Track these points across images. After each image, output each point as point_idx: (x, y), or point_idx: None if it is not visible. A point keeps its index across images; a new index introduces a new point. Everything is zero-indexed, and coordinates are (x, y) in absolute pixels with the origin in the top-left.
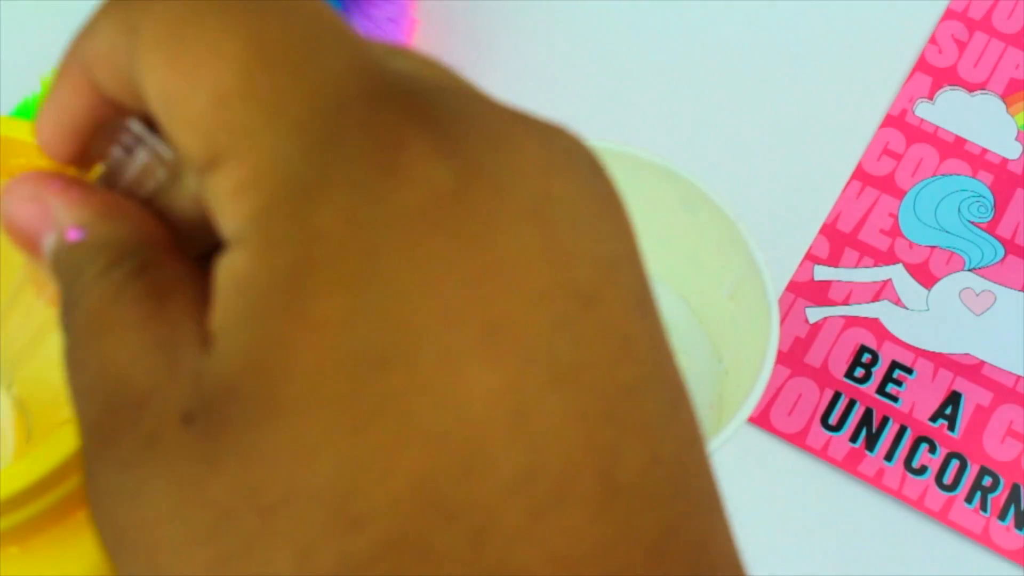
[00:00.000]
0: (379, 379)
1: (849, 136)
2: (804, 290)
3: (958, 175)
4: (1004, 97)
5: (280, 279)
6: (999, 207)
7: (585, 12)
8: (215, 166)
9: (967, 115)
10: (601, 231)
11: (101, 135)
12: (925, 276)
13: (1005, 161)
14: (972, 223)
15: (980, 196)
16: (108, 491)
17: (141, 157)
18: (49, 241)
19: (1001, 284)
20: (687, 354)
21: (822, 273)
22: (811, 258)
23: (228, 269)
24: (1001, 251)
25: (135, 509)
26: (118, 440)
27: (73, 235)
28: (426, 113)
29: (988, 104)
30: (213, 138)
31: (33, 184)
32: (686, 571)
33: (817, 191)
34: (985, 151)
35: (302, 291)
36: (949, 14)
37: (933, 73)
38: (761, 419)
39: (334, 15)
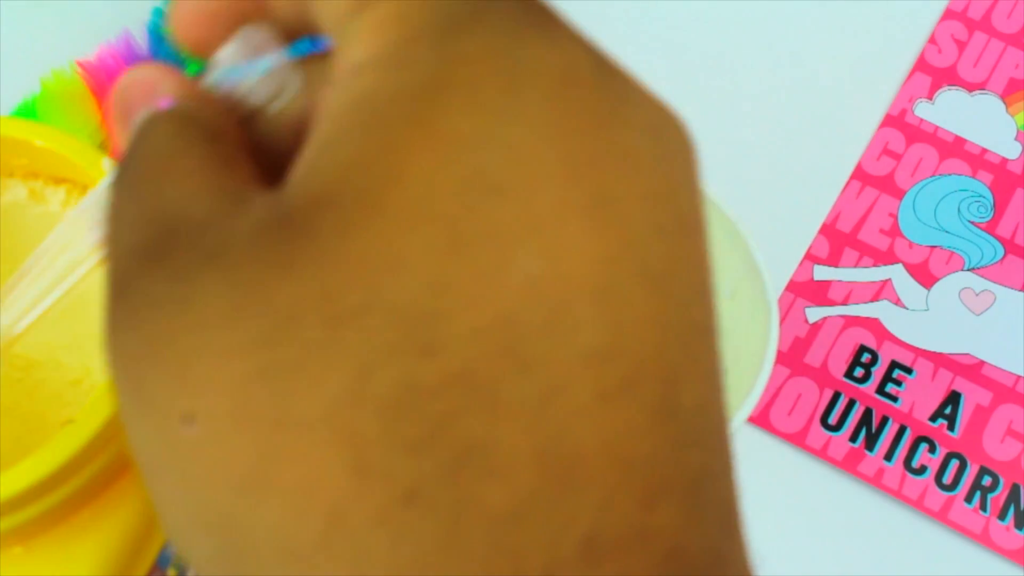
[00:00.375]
0: (490, 207)
1: (849, 136)
2: (804, 290)
3: (958, 175)
4: (1004, 97)
5: (409, 91)
6: (999, 207)
7: (584, 12)
8: (359, 12)
9: (967, 115)
10: (696, 185)
11: (227, 34)
12: (925, 276)
13: (1005, 161)
14: (972, 223)
15: (980, 196)
16: (148, 302)
17: (256, 68)
18: (142, 112)
19: (1001, 284)
20: None
21: (822, 273)
22: (811, 258)
23: (341, 93)
24: (1001, 251)
25: (178, 315)
26: (172, 254)
27: (164, 102)
28: None
29: (988, 104)
30: None
31: (154, 68)
32: (715, 526)
33: (817, 191)
34: (985, 151)
35: (433, 104)
36: (948, 14)
37: (933, 73)
38: (761, 419)
39: None
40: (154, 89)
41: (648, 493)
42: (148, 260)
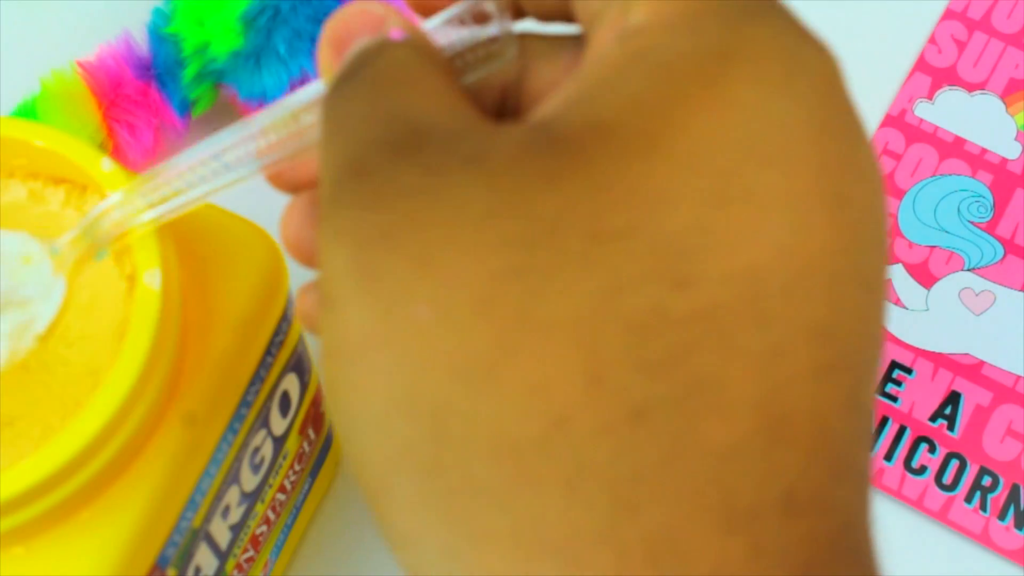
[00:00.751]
0: (757, 173)
1: None
2: None
3: (957, 175)
4: (1004, 97)
5: (700, 54)
6: (999, 207)
7: None
8: None
9: (967, 115)
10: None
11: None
12: (924, 276)
13: (1005, 161)
14: (972, 223)
15: (980, 196)
16: (395, 190)
17: (484, 31)
18: (362, 40)
19: (1001, 284)
20: None
21: None
22: None
23: (619, 45)
24: (1001, 251)
25: (428, 208)
26: (425, 151)
27: (395, 33)
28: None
29: (988, 104)
30: None
31: (380, 3)
32: (871, 514)
33: None
34: (985, 151)
35: (723, 70)
36: (948, 14)
37: (932, 73)
38: None
39: None
40: (382, 21)
41: (838, 469)
42: (396, 152)
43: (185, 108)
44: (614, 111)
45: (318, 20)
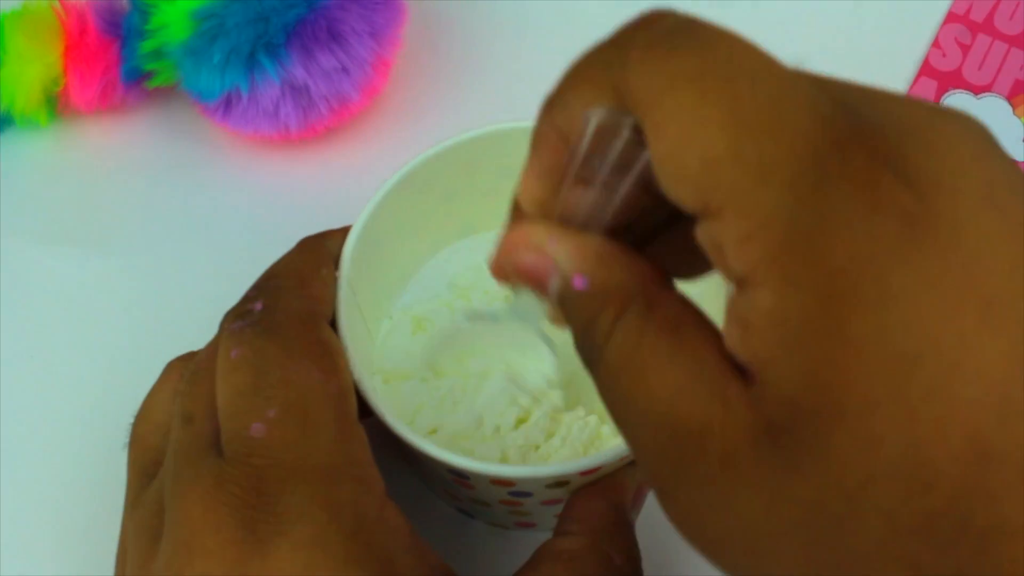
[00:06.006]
0: (917, 372)
1: None
2: None
3: None
4: (1010, 98)
5: (813, 313)
6: None
7: (593, 12)
8: (710, 216)
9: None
10: None
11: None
12: None
13: None
14: None
15: None
16: (692, 507)
17: (616, 142)
18: (554, 284)
19: None
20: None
21: None
22: None
23: (750, 305)
24: None
25: (725, 517)
26: (691, 463)
27: (579, 284)
28: (881, 146)
29: (994, 106)
30: (707, 194)
31: (534, 236)
32: None
33: None
34: None
35: (837, 320)
36: (951, 17)
37: (938, 77)
38: None
39: (786, 70)
40: (553, 262)
41: None
42: (673, 466)
43: (134, 76)
44: (791, 392)
45: (259, 41)
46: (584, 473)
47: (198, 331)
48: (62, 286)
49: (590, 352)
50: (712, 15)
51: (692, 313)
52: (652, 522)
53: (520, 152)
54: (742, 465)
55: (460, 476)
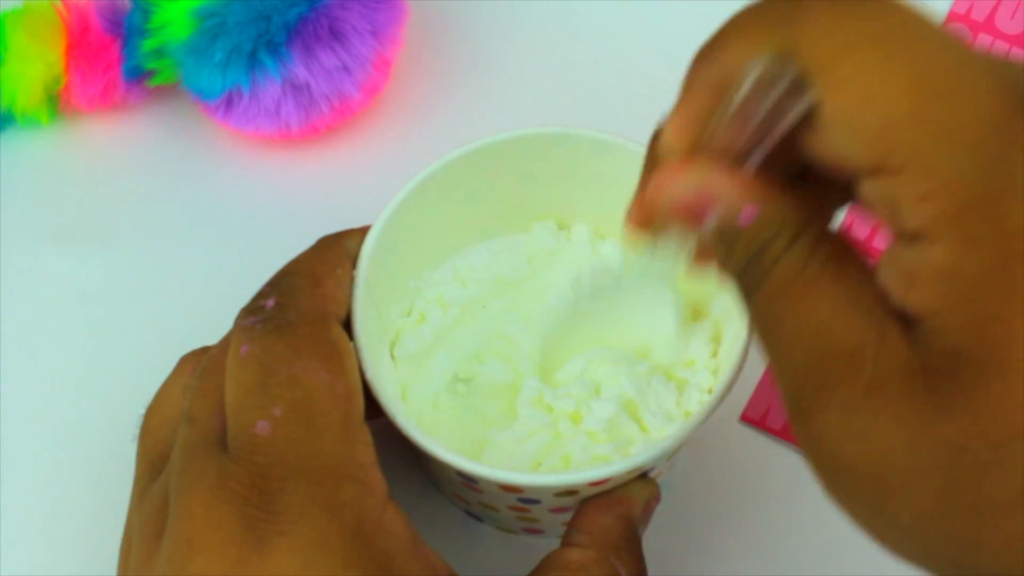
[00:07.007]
0: None
1: None
2: None
3: None
4: None
5: (988, 271)
6: None
7: (588, 12)
8: (886, 173)
9: None
10: None
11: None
12: None
13: None
14: None
15: None
16: (829, 432)
17: (774, 90)
18: (714, 218)
19: None
20: (684, 348)
21: None
22: None
23: (921, 259)
24: None
25: (862, 446)
26: (835, 388)
27: (749, 214)
28: None
29: None
30: (885, 152)
31: (695, 171)
32: None
33: None
34: None
35: (1012, 280)
36: (952, 17)
37: None
38: (760, 420)
39: (959, 38)
40: (716, 196)
41: None
42: (815, 389)
43: (135, 75)
44: (956, 341)
45: (261, 39)
46: (594, 484)
47: (200, 330)
48: (64, 284)
49: (751, 278)
50: (712, 14)
51: (852, 250)
52: (659, 534)
53: (544, 157)
54: (890, 396)
55: (469, 480)
